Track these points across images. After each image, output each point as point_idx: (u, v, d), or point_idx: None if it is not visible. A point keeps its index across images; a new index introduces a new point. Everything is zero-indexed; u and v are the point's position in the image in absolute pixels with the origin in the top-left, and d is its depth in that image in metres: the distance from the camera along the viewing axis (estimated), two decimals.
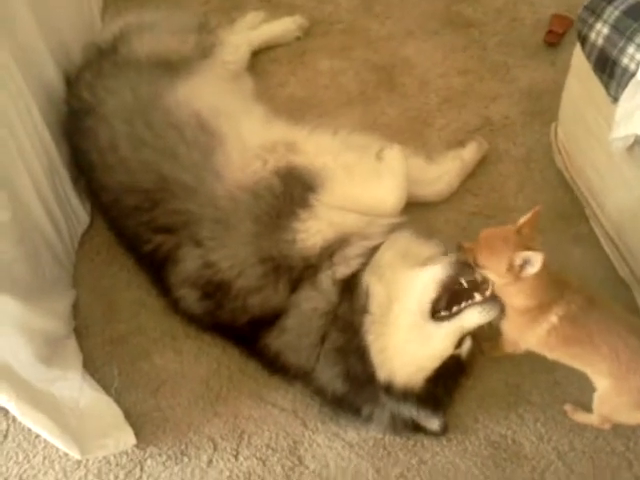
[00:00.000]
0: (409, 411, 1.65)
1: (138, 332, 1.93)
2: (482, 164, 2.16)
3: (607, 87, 1.67)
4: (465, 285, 1.62)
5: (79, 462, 1.74)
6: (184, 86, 2.01)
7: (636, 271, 1.82)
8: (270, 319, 1.73)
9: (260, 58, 2.47)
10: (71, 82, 2.11)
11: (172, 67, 2.07)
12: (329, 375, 1.70)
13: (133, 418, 1.78)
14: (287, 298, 1.71)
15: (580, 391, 1.72)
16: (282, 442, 1.75)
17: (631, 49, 1.56)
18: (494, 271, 1.50)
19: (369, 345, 1.64)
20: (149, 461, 1.74)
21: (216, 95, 2.05)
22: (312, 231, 1.75)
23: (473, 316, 1.59)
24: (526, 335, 1.58)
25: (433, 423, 1.67)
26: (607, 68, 1.65)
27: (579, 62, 1.83)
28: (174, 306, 1.87)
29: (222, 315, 1.79)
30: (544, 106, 2.28)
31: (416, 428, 1.69)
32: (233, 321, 1.78)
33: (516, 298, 1.53)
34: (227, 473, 1.71)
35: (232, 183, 1.82)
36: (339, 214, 1.79)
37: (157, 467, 1.73)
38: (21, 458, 1.76)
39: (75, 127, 2.02)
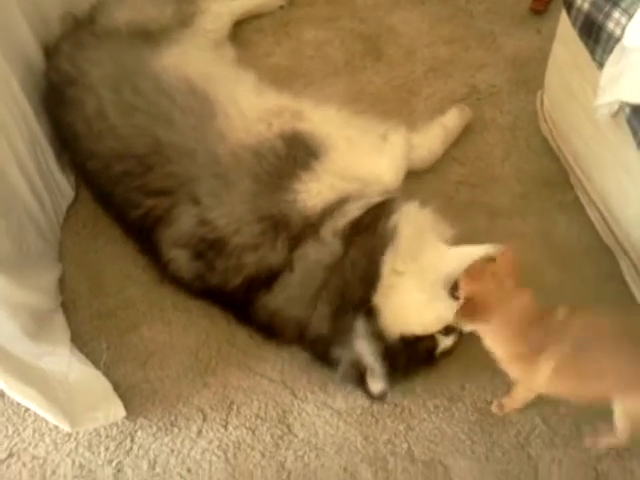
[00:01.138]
0: (370, 357, 1.63)
1: (126, 305, 1.93)
2: (468, 133, 2.15)
3: (592, 53, 1.66)
4: None
5: (69, 434, 1.74)
6: (168, 55, 1.99)
7: (621, 239, 1.82)
8: (265, 279, 1.72)
9: (244, 28, 2.44)
10: (50, 54, 2.06)
11: (151, 37, 2.03)
12: (321, 319, 1.69)
13: (122, 390, 1.78)
14: (285, 256, 1.71)
15: None
16: (271, 411, 1.77)
17: (617, 13, 1.54)
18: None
19: (382, 270, 1.67)
20: (139, 432, 1.75)
21: (201, 63, 2.03)
22: (313, 192, 1.76)
23: None
24: (535, 376, 1.48)
25: (377, 385, 1.67)
26: (593, 33, 1.63)
27: (565, 29, 1.82)
28: (163, 271, 1.86)
29: (213, 278, 1.77)
30: (530, 74, 2.27)
31: (360, 384, 1.70)
32: (225, 284, 1.76)
33: (499, 347, 1.48)
34: (217, 443, 1.73)
35: (235, 142, 1.82)
36: (340, 179, 1.81)
37: (147, 438, 1.74)
38: (11, 432, 1.76)
39: (56, 99, 1.99)
